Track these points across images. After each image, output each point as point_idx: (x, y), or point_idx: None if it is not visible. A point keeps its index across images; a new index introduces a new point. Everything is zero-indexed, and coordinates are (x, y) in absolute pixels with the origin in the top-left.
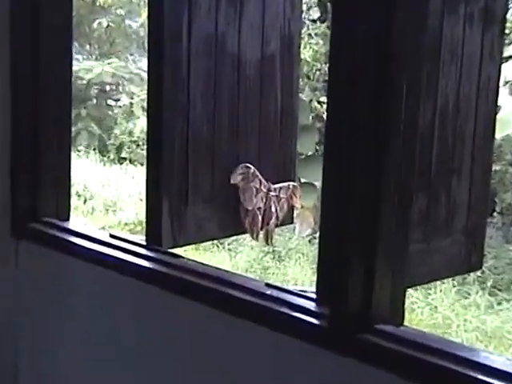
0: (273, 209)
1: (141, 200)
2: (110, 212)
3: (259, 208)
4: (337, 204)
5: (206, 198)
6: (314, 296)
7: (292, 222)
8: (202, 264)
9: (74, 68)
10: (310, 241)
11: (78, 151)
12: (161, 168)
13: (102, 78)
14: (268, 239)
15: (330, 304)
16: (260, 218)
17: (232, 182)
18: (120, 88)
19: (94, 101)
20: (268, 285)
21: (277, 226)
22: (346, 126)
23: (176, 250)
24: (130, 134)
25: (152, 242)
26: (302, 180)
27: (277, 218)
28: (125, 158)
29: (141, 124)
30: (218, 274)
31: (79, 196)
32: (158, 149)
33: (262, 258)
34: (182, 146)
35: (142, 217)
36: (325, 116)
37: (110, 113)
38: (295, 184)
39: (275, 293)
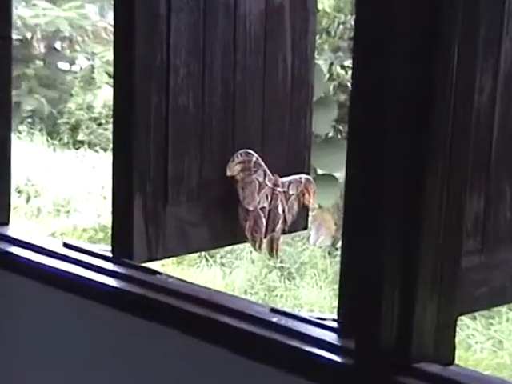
0: (280, 209)
1: (104, 198)
2: (62, 214)
3: (263, 208)
4: (365, 204)
5: (192, 195)
6: (335, 325)
7: (306, 228)
8: (187, 283)
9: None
10: (329, 253)
11: (19, 132)
12: (131, 155)
13: (56, 25)
14: (274, 250)
15: (357, 336)
16: (264, 221)
17: (228, 173)
18: (77, 46)
19: (41, 63)
20: (274, 310)
21: (285, 232)
22: (378, 100)
23: (152, 265)
24: (90, 109)
25: (120, 253)
26: (319, 171)
27: (285, 221)
28: (82, 142)
29: (104, 96)
30: (208, 296)
31: (20, 192)
32: (127, 129)
33: (266, 276)
34: (160, 125)
35: (106, 220)
36: (350, 85)
37: (62, 80)
38: (309, 177)
39: (284, 321)
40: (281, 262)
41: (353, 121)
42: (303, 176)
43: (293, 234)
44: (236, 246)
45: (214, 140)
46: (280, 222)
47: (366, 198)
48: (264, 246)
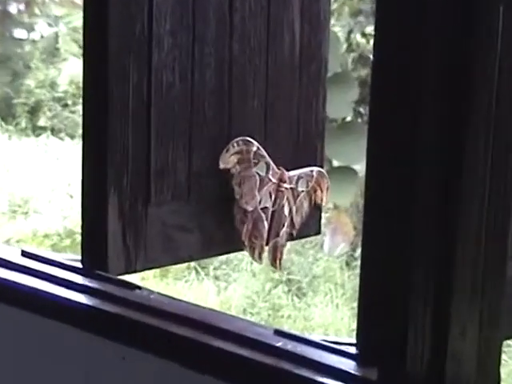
0: (286, 210)
1: (71, 196)
2: (19, 216)
3: (265, 209)
4: (390, 204)
5: (179, 192)
6: (353, 352)
7: (318, 233)
8: (174, 299)
9: None
10: (347, 263)
11: None
12: (105, 144)
13: None
14: (277, 260)
15: (380, 365)
16: (266, 224)
17: (222, 166)
18: (37, 9)
19: None
20: (279, 333)
21: (293, 238)
22: (407, 74)
23: (131, 278)
24: (53, 87)
25: (91, 264)
26: (335, 163)
27: (293, 224)
28: (44, 128)
29: (70, 70)
30: (199, 315)
31: None
32: (99, 112)
33: (270, 292)
34: (140, 108)
35: (74, 224)
36: (372, 57)
37: (19, 51)
38: (322, 170)
39: (291, 345)
40: (288, 274)
41: (375, 101)
42: (315, 169)
43: (303, 241)
44: (233, 255)
45: (206, 126)
46: (286, 225)
47: (389, 198)
48: (266, 254)
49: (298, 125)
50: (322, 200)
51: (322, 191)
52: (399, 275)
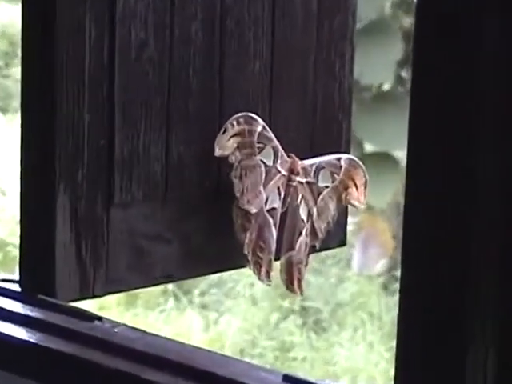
0: (303, 213)
1: (3, 194)
2: None
3: (273, 210)
4: (442, 204)
5: (152, 190)
6: None
7: (344, 244)
8: (146, 334)
9: None
10: (385, 286)
11: None
12: (52, 123)
13: None
14: (294, 280)
15: None
16: (274, 231)
17: (217, 153)
18: None
19: None
20: (289, 379)
21: (314, 249)
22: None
23: (88, 306)
24: None
25: (34, 287)
26: (368, 148)
27: (314, 233)
28: None
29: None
30: (182, 356)
31: None
32: (44, 79)
33: (277, 325)
34: (101, 74)
35: (7, 232)
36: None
37: None
38: (354, 158)
39: None
40: (303, 301)
41: (419, 64)
42: (344, 157)
43: (322, 255)
44: (227, 275)
45: (191, 98)
46: (304, 233)
47: (443, 194)
48: (274, 274)
49: (316, 96)
50: (357, 200)
51: (356, 188)
52: (453, 306)
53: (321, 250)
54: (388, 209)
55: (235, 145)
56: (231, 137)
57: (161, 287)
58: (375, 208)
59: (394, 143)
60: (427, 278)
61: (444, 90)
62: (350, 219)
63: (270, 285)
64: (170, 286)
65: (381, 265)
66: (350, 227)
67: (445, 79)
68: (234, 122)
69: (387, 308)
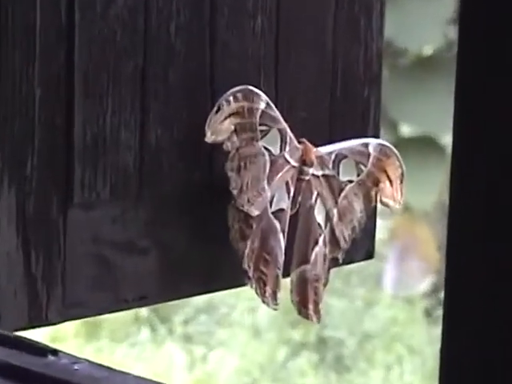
0: (319, 215)
1: None
2: None
3: (279, 213)
4: (492, 200)
5: (123, 186)
6: None
7: (372, 256)
8: (116, 373)
9: None
10: (427, 312)
11: None
12: None
13: None
14: (312, 303)
15: None
16: (283, 239)
17: (209, 138)
18: None
19: None
20: None
21: (334, 263)
22: None
23: (39, 336)
24: None
25: None
26: (404, 130)
27: (335, 241)
28: None
29: None
30: None
31: None
32: None
33: (286, 362)
34: (56, 36)
35: None
36: None
37: None
38: (384, 143)
39: None
40: (320, 330)
41: (465, 18)
42: (373, 142)
43: (345, 270)
44: (219, 297)
45: (173, 67)
46: (321, 241)
47: (494, 189)
48: (281, 293)
49: (335, 63)
50: (391, 198)
51: (389, 182)
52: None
53: (343, 263)
54: (432, 210)
55: (232, 127)
56: (226, 117)
57: (132, 313)
58: (415, 209)
59: (440, 124)
60: (480, 301)
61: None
62: (381, 224)
63: (276, 309)
64: (145, 312)
65: (422, 284)
66: (380, 234)
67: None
68: (231, 98)
69: (431, 340)
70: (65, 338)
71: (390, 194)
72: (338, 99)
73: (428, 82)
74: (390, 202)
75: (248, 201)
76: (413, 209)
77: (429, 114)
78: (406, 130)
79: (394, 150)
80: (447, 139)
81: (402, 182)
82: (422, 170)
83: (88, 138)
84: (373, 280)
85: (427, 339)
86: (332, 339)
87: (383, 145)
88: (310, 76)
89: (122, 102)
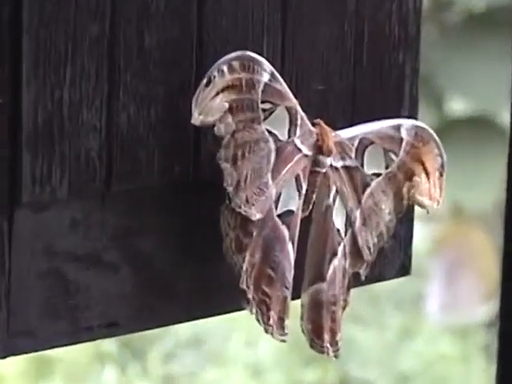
0: (337, 218)
1: None
2: None
3: (287, 216)
4: None
5: (86, 183)
6: None
7: (408, 272)
8: None
9: None
10: (487, 346)
11: None
12: None
13: None
14: (328, 332)
15: None
16: (290, 250)
17: (198, 118)
18: None
19: None
20: None
21: (357, 281)
22: None
23: None
24: None
25: None
26: (455, 107)
27: (356, 252)
28: None
29: None
30: None
31: None
32: None
33: None
34: None
35: None
36: None
37: None
38: (421, 125)
39: None
40: (340, 367)
41: None
42: (406, 124)
43: (374, 289)
44: (209, 325)
45: (150, 28)
46: (340, 252)
47: None
48: (290, 320)
49: (359, 21)
50: (430, 196)
51: (427, 175)
52: None
53: (369, 281)
54: (491, 213)
55: (226, 105)
56: (219, 92)
57: (95, 346)
58: (469, 211)
59: (500, 100)
60: None
61: None
62: (422, 230)
63: (284, 340)
64: (112, 344)
65: (478, 310)
66: (420, 243)
67: None
68: (224, 68)
69: (490, 383)
70: (7, 378)
71: (427, 190)
72: (363, 68)
73: (483, 45)
74: (426, 201)
75: (247, 200)
76: (465, 211)
77: (485, 86)
78: (454, 107)
79: (432, 133)
80: (507, 117)
81: (442, 175)
82: (476, 160)
83: (40, 119)
84: (411, 304)
85: (486, 381)
86: (357, 381)
87: (419, 127)
88: (326, 38)
89: (85, 73)
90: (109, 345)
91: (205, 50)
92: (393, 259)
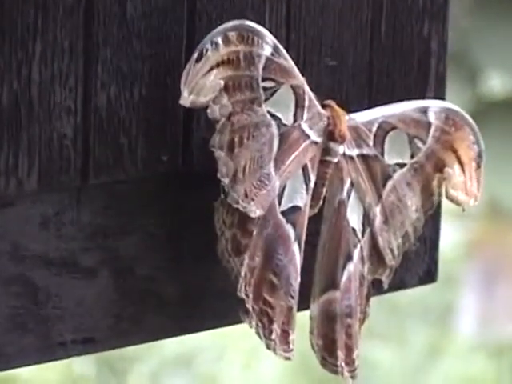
0: (352, 216)
1: None
2: None
3: (293, 213)
4: None
5: (59, 174)
6: None
7: (434, 279)
8: None
9: None
10: None
11: None
12: None
13: None
14: (329, 346)
15: None
16: (296, 253)
17: (187, 99)
18: None
19: None
20: None
21: (378, 289)
22: None
23: None
24: None
25: None
26: (494, 89)
27: (376, 255)
28: None
29: None
30: None
31: None
32: None
33: None
34: None
35: None
36: None
37: None
38: (453, 108)
39: None
40: None
41: None
42: (434, 106)
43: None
44: (201, 339)
45: (132, 1)
46: (356, 255)
47: None
48: (296, 334)
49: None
50: (464, 190)
51: (461, 167)
52: None
53: (391, 289)
54: None
55: (221, 83)
56: (213, 67)
57: (69, 364)
58: (506, 209)
59: None
60: None
61: None
62: (452, 231)
63: (289, 357)
64: (90, 362)
65: None
66: (449, 246)
67: None
68: (219, 39)
69: None
70: None
71: (462, 184)
72: (382, 41)
73: None
74: (461, 197)
75: (245, 194)
76: (504, 209)
77: None
78: (492, 85)
79: (467, 116)
80: None
81: (479, 166)
82: None
83: (4, 99)
84: (438, 317)
85: None
86: None
87: (450, 109)
88: (339, 6)
89: (57, 45)
90: (85, 363)
91: (197, 19)
92: (416, 263)
